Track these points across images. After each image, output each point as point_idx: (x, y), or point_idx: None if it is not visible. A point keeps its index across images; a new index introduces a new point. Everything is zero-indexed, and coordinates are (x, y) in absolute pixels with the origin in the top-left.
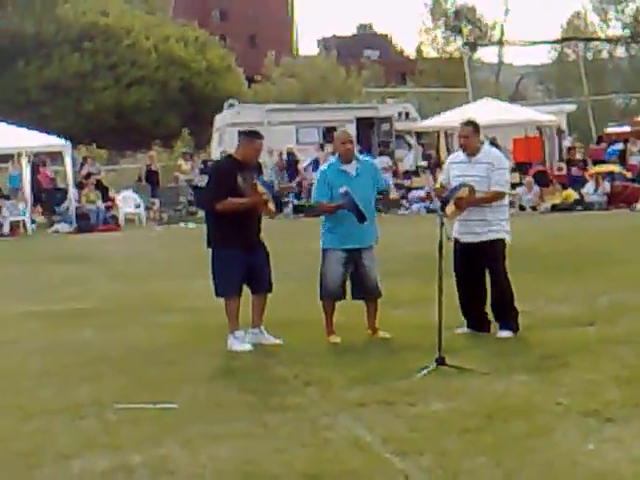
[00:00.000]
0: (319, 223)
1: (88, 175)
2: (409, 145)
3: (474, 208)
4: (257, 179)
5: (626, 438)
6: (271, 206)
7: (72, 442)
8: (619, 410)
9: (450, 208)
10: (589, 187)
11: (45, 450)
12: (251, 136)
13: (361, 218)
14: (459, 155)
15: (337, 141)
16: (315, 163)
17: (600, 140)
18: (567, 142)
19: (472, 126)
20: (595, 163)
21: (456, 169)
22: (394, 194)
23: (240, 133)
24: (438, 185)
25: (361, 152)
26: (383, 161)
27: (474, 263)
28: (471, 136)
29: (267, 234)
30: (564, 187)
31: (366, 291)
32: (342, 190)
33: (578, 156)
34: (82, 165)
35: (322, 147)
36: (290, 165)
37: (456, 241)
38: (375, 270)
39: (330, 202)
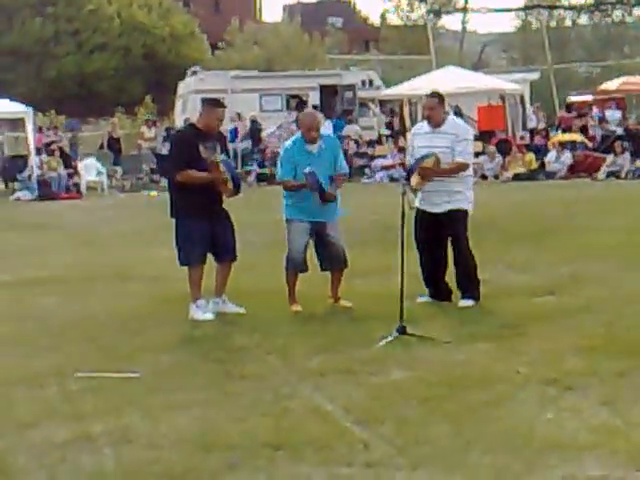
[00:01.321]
0: (282, 192)
1: (49, 143)
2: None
3: (438, 179)
4: (220, 157)
5: (584, 407)
6: (229, 186)
7: (33, 411)
8: (578, 379)
9: (415, 179)
10: (551, 155)
11: (6, 419)
12: (213, 104)
13: (323, 200)
14: (423, 126)
15: (303, 126)
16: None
17: (569, 108)
18: (530, 110)
19: (437, 97)
20: (564, 131)
21: (420, 140)
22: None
23: (203, 101)
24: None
25: (329, 117)
26: (352, 130)
27: (436, 231)
28: (436, 107)
29: (230, 203)
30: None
31: (333, 261)
32: (306, 170)
33: (541, 125)
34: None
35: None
36: (253, 133)
37: (418, 210)
38: (341, 240)
39: (294, 179)
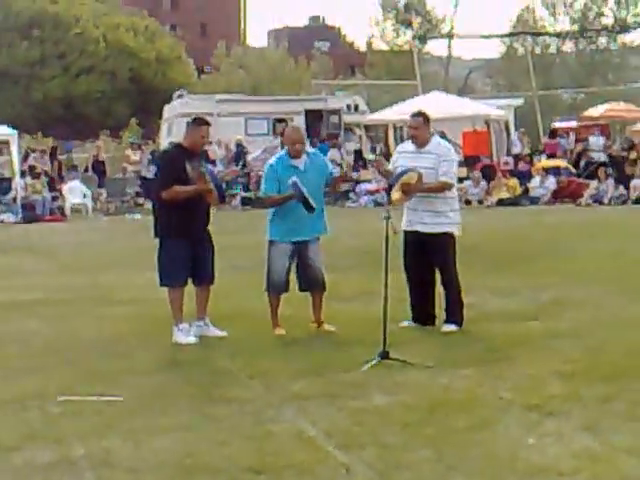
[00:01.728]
0: (266, 215)
1: (32, 167)
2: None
3: (423, 198)
4: (204, 167)
5: (567, 432)
6: (214, 195)
7: (14, 434)
8: (560, 404)
9: (396, 194)
10: (535, 181)
11: None
12: (197, 122)
13: (309, 208)
14: (408, 145)
15: (287, 139)
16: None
17: (553, 134)
18: (514, 136)
19: (422, 117)
20: (549, 157)
21: (404, 159)
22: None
23: (188, 124)
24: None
25: (314, 145)
26: (337, 155)
27: (423, 255)
28: (421, 127)
29: (215, 226)
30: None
31: (311, 283)
32: (290, 181)
33: (526, 151)
34: (26, 156)
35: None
36: (238, 157)
37: (405, 233)
38: (320, 263)
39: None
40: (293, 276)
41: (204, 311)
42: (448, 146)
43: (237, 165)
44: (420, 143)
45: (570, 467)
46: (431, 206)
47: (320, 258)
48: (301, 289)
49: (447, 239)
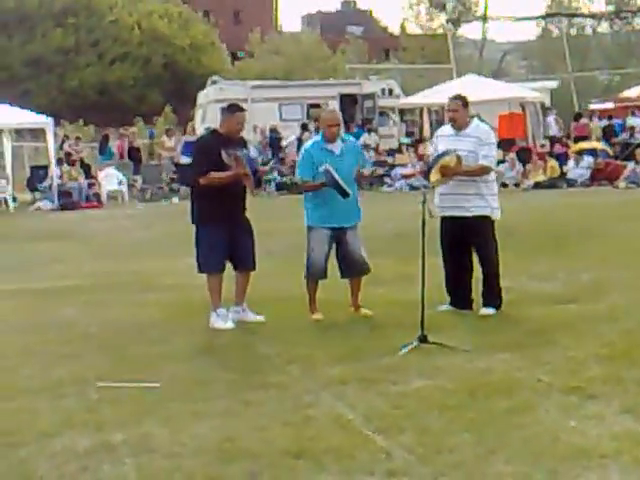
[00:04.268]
0: (302, 201)
1: (68, 154)
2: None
3: (460, 182)
4: (241, 152)
5: (607, 415)
6: (250, 179)
7: (54, 421)
8: (601, 387)
9: (434, 175)
10: (571, 164)
11: (27, 429)
12: (232, 109)
13: (344, 194)
14: (447, 129)
15: (323, 122)
16: (298, 141)
17: (579, 116)
18: (550, 118)
19: (461, 100)
20: (577, 140)
21: (444, 143)
22: (372, 171)
23: (222, 109)
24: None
25: (349, 130)
26: (370, 139)
27: (461, 239)
28: (460, 110)
29: (250, 212)
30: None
31: (354, 268)
32: (322, 168)
33: (558, 133)
34: (62, 143)
35: (305, 127)
36: (273, 142)
37: (442, 218)
38: (361, 246)
39: (314, 180)
40: (331, 263)
41: (243, 297)
42: (487, 129)
43: (271, 149)
44: (459, 126)
45: (612, 449)
46: (467, 190)
47: (359, 243)
48: (344, 276)
49: (486, 222)
